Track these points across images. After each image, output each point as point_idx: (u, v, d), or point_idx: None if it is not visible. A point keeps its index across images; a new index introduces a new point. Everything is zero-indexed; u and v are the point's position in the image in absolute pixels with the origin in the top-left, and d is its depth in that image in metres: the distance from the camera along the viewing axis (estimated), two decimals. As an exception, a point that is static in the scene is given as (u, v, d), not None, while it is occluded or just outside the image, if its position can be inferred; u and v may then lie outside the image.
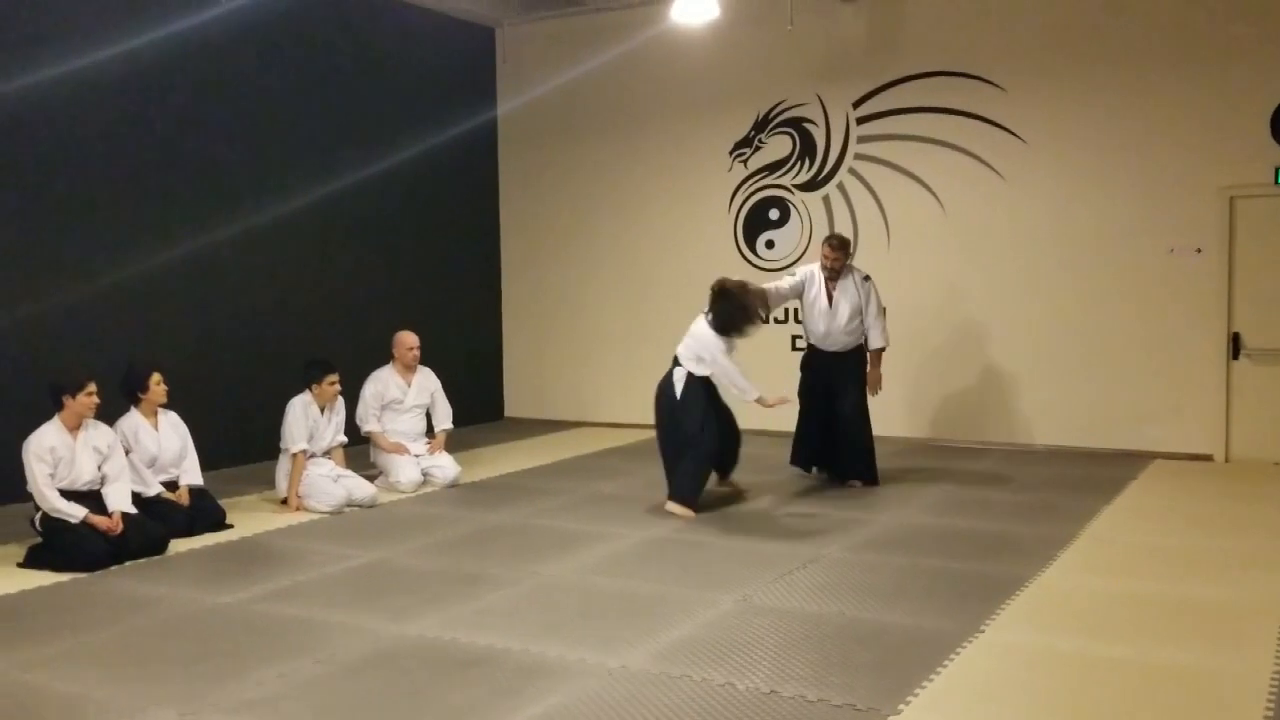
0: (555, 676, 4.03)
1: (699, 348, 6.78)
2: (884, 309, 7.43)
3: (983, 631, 4.45)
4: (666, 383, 6.86)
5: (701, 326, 6.79)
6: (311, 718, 3.73)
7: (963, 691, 3.86)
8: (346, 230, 9.55)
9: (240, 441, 8.35)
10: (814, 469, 7.74)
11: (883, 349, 7.40)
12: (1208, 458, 8.32)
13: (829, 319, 7.30)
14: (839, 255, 7.30)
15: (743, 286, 6.80)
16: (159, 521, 6.08)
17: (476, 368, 10.92)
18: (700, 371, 6.77)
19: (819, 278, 7.34)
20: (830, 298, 7.30)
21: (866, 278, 7.39)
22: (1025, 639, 4.39)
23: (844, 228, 9.60)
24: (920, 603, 4.86)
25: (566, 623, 4.67)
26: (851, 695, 3.82)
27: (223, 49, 8.38)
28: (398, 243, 10.06)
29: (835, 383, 7.40)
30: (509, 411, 11.32)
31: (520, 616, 4.78)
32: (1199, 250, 8.30)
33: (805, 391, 7.55)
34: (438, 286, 10.45)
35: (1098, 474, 7.78)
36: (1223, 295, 8.25)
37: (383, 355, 7.94)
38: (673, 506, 6.71)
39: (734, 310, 6.70)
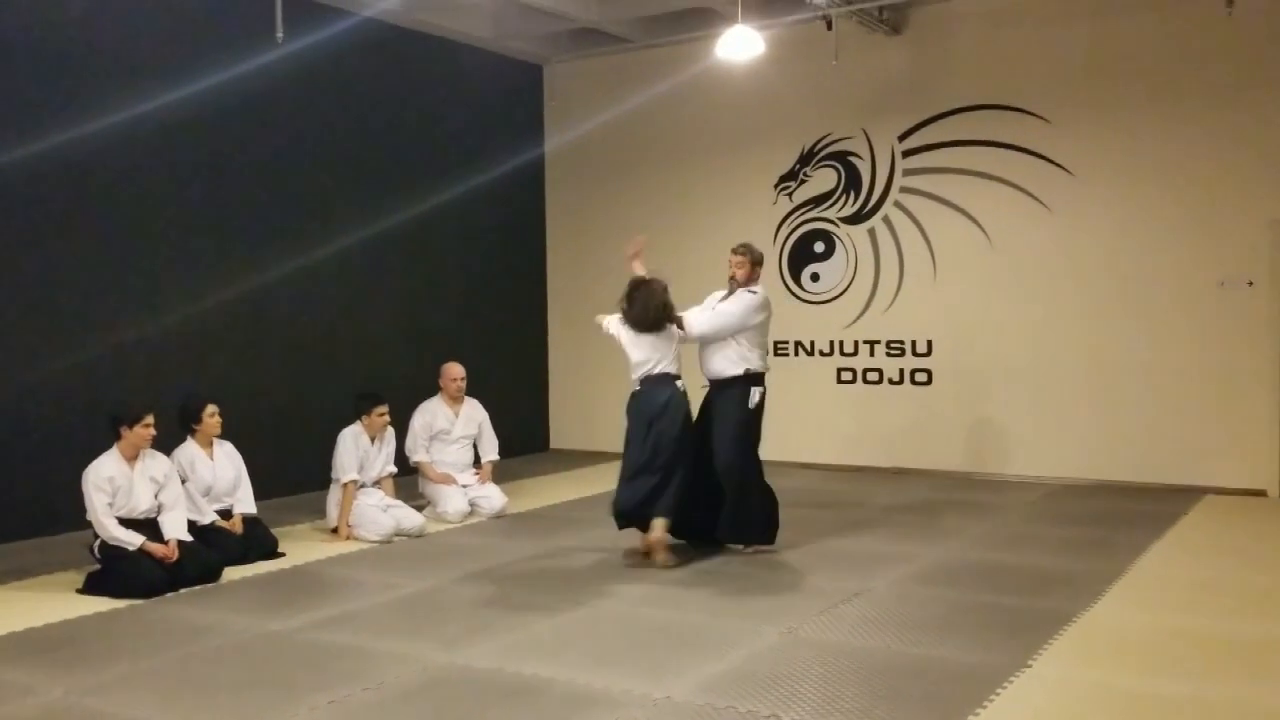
0: (602, 706, 4.06)
1: (669, 344, 6.33)
2: (732, 315, 6.39)
3: (1031, 666, 4.42)
4: (672, 402, 6.21)
5: (653, 339, 6.39)
6: (362, 744, 3.80)
7: (1010, 726, 3.84)
8: (396, 264, 9.71)
9: (292, 471, 8.48)
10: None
11: (688, 334, 6.43)
12: (1261, 493, 8.19)
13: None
14: (742, 260, 6.44)
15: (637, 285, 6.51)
16: (214, 549, 6.19)
17: (523, 399, 11.01)
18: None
19: (719, 295, 6.56)
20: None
21: (755, 291, 6.45)
22: (1074, 674, 4.35)
23: (890, 260, 9.62)
24: (967, 637, 4.83)
25: (613, 653, 4.71)
26: (898, 729, 3.82)
27: (276, 88, 8.57)
28: (446, 276, 10.21)
29: (710, 418, 6.45)
30: (554, 443, 11.39)
31: (567, 646, 4.81)
32: (1250, 283, 8.22)
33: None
34: (485, 319, 10.57)
35: (1148, 509, 7.69)
36: (1275, 328, 8.14)
37: (431, 387, 8.06)
38: (658, 527, 6.12)
39: (643, 296, 6.43)
